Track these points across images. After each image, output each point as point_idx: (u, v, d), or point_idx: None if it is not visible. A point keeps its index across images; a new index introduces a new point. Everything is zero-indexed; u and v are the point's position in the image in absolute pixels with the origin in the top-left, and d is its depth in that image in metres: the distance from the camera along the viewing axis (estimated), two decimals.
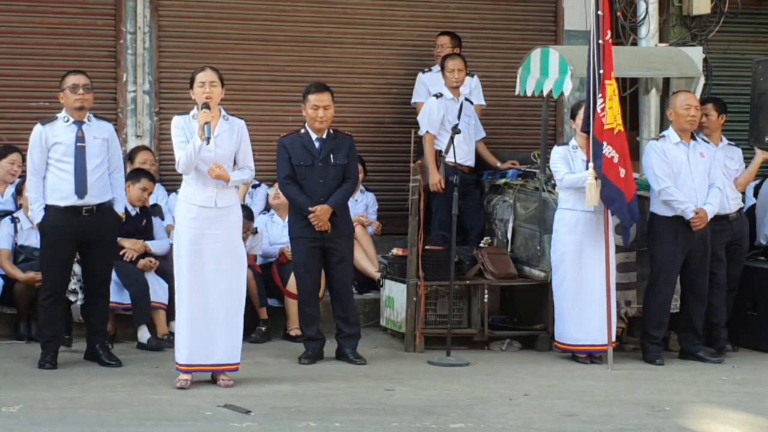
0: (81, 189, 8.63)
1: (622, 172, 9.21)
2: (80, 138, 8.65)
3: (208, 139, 8.04)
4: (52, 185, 8.65)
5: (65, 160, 8.62)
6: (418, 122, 10.90)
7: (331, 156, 9.24)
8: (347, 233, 9.37)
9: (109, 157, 8.77)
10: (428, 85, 11.19)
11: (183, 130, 8.18)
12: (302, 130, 9.30)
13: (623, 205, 9.25)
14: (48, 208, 8.65)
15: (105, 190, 8.76)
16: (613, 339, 9.40)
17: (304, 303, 9.35)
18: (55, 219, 8.64)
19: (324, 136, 9.26)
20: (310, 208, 9.13)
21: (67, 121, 8.70)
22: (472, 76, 11.42)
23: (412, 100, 11.45)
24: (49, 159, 8.64)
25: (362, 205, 11.03)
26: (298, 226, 9.25)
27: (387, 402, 7.89)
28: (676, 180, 9.58)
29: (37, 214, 8.69)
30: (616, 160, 9.14)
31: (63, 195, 8.63)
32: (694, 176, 9.67)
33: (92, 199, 8.69)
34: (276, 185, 10.54)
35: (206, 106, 8.11)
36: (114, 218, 8.85)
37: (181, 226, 8.21)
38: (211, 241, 8.11)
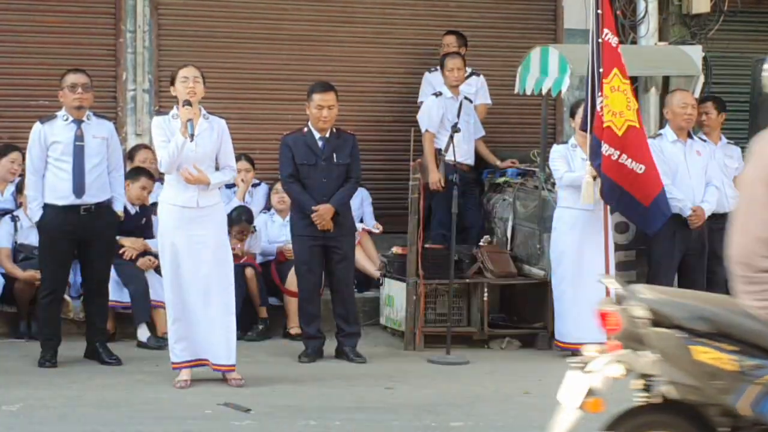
0: (79, 188, 8.63)
1: (640, 168, 9.12)
2: (79, 137, 8.65)
3: (192, 136, 8.00)
4: (50, 184, 8.65)
5: (64, 159, 8.62)
6: (418, 121, 10.90)
7: (334, 155, 9.25)
8: (349, 232, 9.39)
9: (108, 156, 8.76)
10: (434, 84, 11.16)
11: (163, 129, 8.15)
12: (305, 129, 9.31)
13: (634, 205, 9.18)
14: (46, 207, 8.65)
15: (104, 189, 8.75)
16: None
17: (304, 301, 9.36)
18: (53, 218, 8.63)
19: (327, 135, 9.27)
20: (313, 207, 9.13)
21: (67, 119, 8.69)
22: (479, 75, 11.43)
23: (418, 99, 11.40)
24: (48, 157, 8.64)
25: (357, 200, 11.00)
26: (301, 225, 9.26)
27: (387, 400, 7.90)
28: (673, 178, 9.60)
29: (36, 213, 8.69)
30: (614, 158, 9.13)
31: (61, 194, 8.63)
32: (691, 174, 9.68)
33: (90, 198, 8.68)
34: (277, 186, 10.56)
35: (188, 103, 8.08)
36: (112, 217, 8.85)
37: (164, 228, 8.16)
38: (195, 242, 8.05)
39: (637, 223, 9.52)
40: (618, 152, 9.12)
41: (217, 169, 8.28)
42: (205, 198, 8.14)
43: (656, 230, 9.40)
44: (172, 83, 8.25)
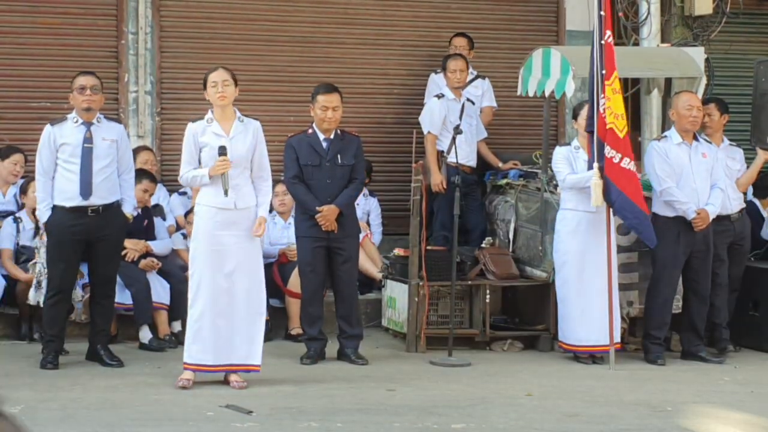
0: (86, 190, 8.65)
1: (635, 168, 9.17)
2: (88, 139, 8.69)
3: (226, 192, 8.07)
4: (59, 185, 8.69)
5: (72, 161, 8.66)
6: (420, 122, 10.90)
7: (339, 156, 9.26)
8: (353, 233, 9.39)
9: (118, 159, 8.81)
10: (440, 85, 11.15)
11: (194, 137, 8.22)
12: (310, 130, 9.33)
13: (635, 212, 9.17)
14: (54, 208, 8.68)
15: (112, 191, 8.78)
16: (617, 339, 9.40)
17: (307, 303, 9.36)
18: (61, 219, 8.66)
19: (332, 137, 9.29)
20: (317, 208, 9.14)
21: (77, 122, 8.73)
22: (484, 78, 11.45)
23: (425, 100, 11.39)
24: (58, 159, 8.69)
25: (361, 210, 11.00)
26: (304, 226, 9.27)
27: (389, 402, 7.89)
28: (678, 180, 9.58)
29: (44, 214, 8.73)
30: (616, 160, 9.14)
31: (69, 195, 8.66)
32: (696, 177, 9.66)
33: (98, 199, 8.71)
34: (277, 188, 10.56)
35: (224, 151, 8.12)
36: (121, 219, 8.87)
37: (201, 229, 8.21)
38: (231, 242, 8.14)
39: (637, 231, 9.44)
40: (620, 155, 9.13)
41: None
42: (243, 199, 8.22)
43: (655, 243, 9.36)
44: (204, 87, 8.27)
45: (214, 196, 8.18)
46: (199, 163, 8.26)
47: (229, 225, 8.16)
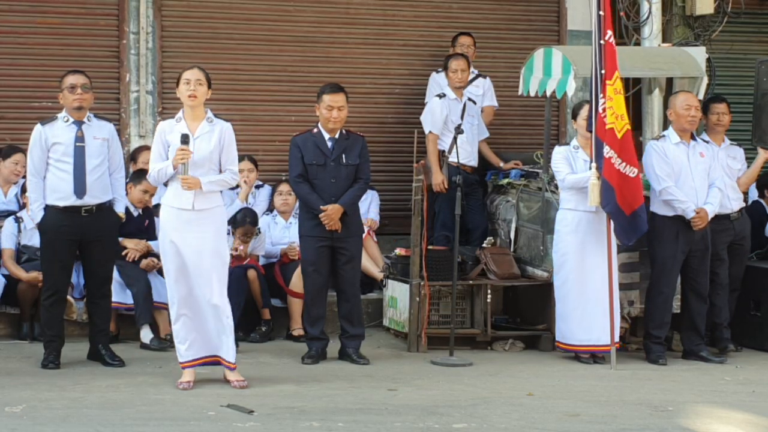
0: (80, 189, 8.64)
1: (633, 172, 9.17)
2: (79, 138, 8.67)
3: (184, 179, 8.07)
4: (51, 185, 8.67)
5: (64, 160, 8.64)
6: (421, 122, 10.90)
7: (344, 156, 9.27)
8: (357, 233, 9.39)
9: (109, 157, 8.78)
10: (441, 84, 11.15)
11: (161, 135, 8.23)
12: (315, 130, 9.33)
13: (618, 212, 9.19)
14: (48, 208, 8.67)
15: (105, 190, 8.77)
16: (618, 339, 9.39)
17: (310, 302, 9.35)
18: (54, 219, 8.65)
19: (336, 136, 9.29)
20: (321, 207, 9.14)
21: (67, 121, 8.71)
22: (485, 77, 11.45)
23: (426, 100, 11.39)
24: (49, 159, 8.66)
25: (365, 204, 11.01)
26: (308, 225, 9.26)
27: (390, 402, 7.89)
28: (677, 180, 9.58)
29: (37, 214, 8.71)
30: (613, 160, 9.14)
31: (62, 195, 8.65)
32: (695, 176, 9.67)
33: (91, 199, 8.70)
34: (280, 188, 10.56)
35: (186, 140, 8.11)
36: (114, 218, 8.86)
37: (164, 229, 8.22)
38: (193, 243, 8.09)
39: (616, 231, 9.43)
40: (616, 155, 9.15)
41: (220, 171, 8.30)
42: (202, 201, 8.15)
43: (629, 243, 9.39)
44: (178, 84, 8.26)
45: (173, 197, 8.17)
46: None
47: (190, 226, 8.11)
